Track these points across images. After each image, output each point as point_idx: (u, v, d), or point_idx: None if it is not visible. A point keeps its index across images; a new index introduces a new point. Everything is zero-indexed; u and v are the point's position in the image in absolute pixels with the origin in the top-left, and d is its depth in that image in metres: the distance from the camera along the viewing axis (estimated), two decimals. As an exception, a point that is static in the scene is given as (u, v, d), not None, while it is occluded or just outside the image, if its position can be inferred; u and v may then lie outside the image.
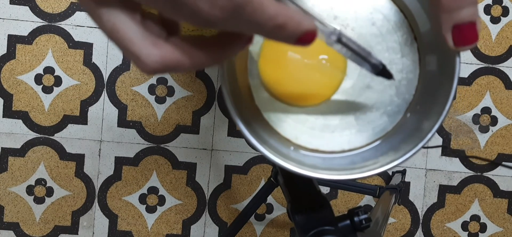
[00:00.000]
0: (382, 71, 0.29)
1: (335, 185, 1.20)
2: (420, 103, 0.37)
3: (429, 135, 0.33)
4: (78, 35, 1.27)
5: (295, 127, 0.38)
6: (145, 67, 0.25)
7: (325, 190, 1.31)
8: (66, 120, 1.28)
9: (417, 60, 0.37)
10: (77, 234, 1.30)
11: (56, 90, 1.27)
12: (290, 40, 0.25)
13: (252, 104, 0.38)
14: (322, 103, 0.38)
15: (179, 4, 0.23)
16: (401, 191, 1.19)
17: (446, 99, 0.33)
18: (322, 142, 0.38)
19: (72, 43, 1.27)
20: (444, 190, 1.33)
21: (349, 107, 0.38)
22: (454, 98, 0.33)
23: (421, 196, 1.33)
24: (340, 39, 0.28)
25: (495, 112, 1.32)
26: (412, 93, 0.38)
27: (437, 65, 0.36)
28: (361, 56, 0.29)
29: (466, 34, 0.30)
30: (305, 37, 0.25)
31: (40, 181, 1.28)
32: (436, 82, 0.36)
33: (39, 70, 1.26)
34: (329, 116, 0.38)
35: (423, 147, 1.24)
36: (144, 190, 1.30)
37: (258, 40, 0.38)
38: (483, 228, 1.34)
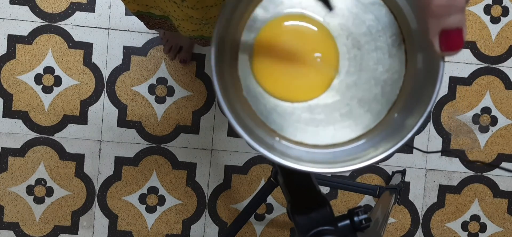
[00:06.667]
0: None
1: (335, 185, 1.20)
2: (403, 103, 0.38)
3: (409, 135, 0.35)
4: (78, 35, 1.27)
5: (282, 119, 0.39)
6: None
7: (325, 190, 1.31)
8: (66, 120, 1.28)
9: (403, 61, 0.38)
10: (77, 234, 1.30)
11: (56, 90, 1.27)
12: None
13: (240, 94, 0.39)
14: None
15: None
16: (401, 191, 1.19)
17: (429, 101, 0.34)
18: (307, 135, 0.39)
19: (72, 43, 1.27)
20: (444, 190, 1.33)
21: (335, 103, 0.39)
22: (435, 101, 0.35)
23: (421, 196, 1.33)
24: None
25: (495, 112, 1.32)
26: (396, 93, 0.39)
27: (423, 64, 0.37)
28: None
29: (453, 39, 0.31)
30: None
31: (40, 181, 1.28)
32: (420, 83, 0.37)
33: (39, 70, 1.26)
34: (315, 111, 0.39)
35: (424, 151, 1.23)
36: (144, 190, 1.30)
37: (251, 32, 0.39)
38: (483, 228, 1.34)
